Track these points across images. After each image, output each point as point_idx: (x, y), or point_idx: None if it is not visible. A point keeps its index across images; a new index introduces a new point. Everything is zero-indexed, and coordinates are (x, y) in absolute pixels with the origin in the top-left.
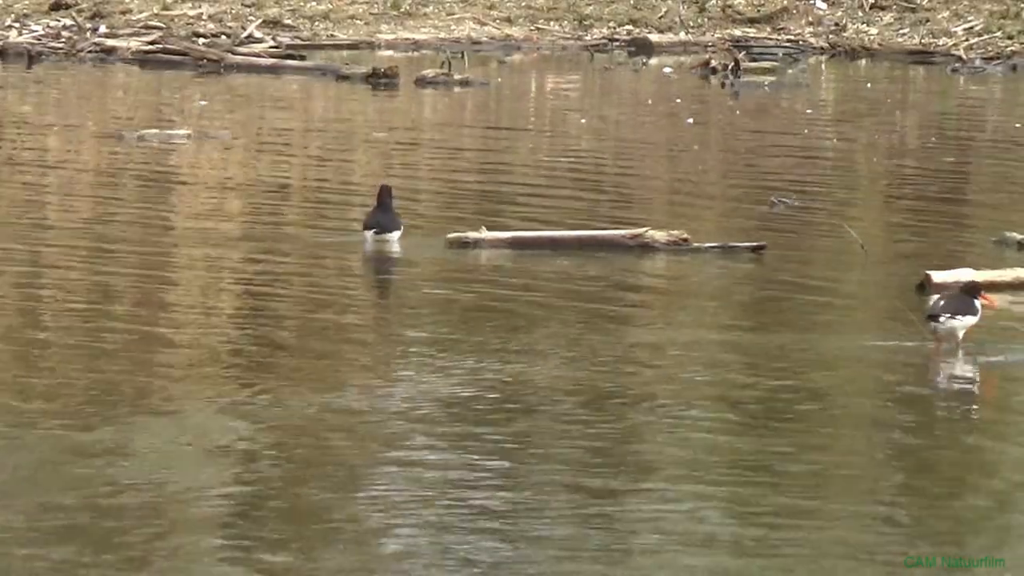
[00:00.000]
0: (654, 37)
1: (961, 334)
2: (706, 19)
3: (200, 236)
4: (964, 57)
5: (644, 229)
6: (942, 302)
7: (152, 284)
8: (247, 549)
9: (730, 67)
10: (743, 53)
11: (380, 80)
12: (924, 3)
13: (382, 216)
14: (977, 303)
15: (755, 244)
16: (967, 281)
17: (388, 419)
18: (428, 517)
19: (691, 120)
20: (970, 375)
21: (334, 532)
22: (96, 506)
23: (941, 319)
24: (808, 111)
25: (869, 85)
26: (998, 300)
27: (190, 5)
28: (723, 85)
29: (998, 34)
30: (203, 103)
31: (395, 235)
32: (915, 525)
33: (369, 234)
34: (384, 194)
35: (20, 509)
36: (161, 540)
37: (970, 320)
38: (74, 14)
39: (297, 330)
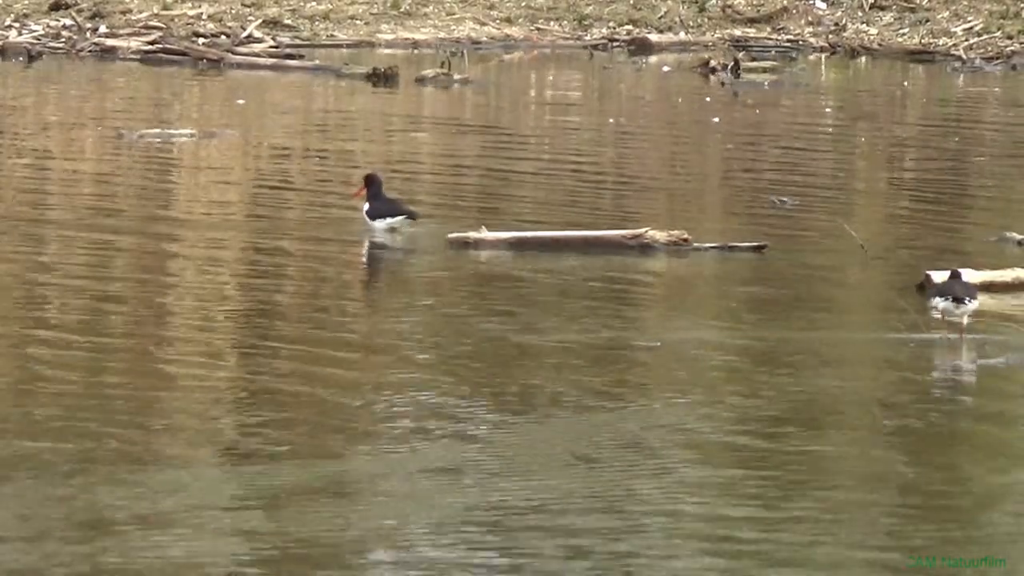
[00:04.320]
0: (654, 37)
1: (967, 318)
2: (706, 19)
3: (200, 240)
4: (964, 57)
5: (644, 229)
6: (956, 286)
7: (150, 298)
8: None
9: (730, 67)
10: (742, 53)
11: (380, 79)
12: (924, 3)
13: (394, 204)
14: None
15: (755, 244)
16: (952, 271)
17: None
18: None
19: (717, 119)
20: (971, 376)
21: None
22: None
23: (967, 301)
24: (807, 110)
25: (870, 85)
26: (997, 301)
27: (190, 5)
28: (722, 84)
29: (998, 34)
30: (241, 102)
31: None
32: (915, 525)
33: (394, 221)
34: (379, 183)
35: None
36: None
37: (977, 302)
38: (74, 14)
39: (298, 350)
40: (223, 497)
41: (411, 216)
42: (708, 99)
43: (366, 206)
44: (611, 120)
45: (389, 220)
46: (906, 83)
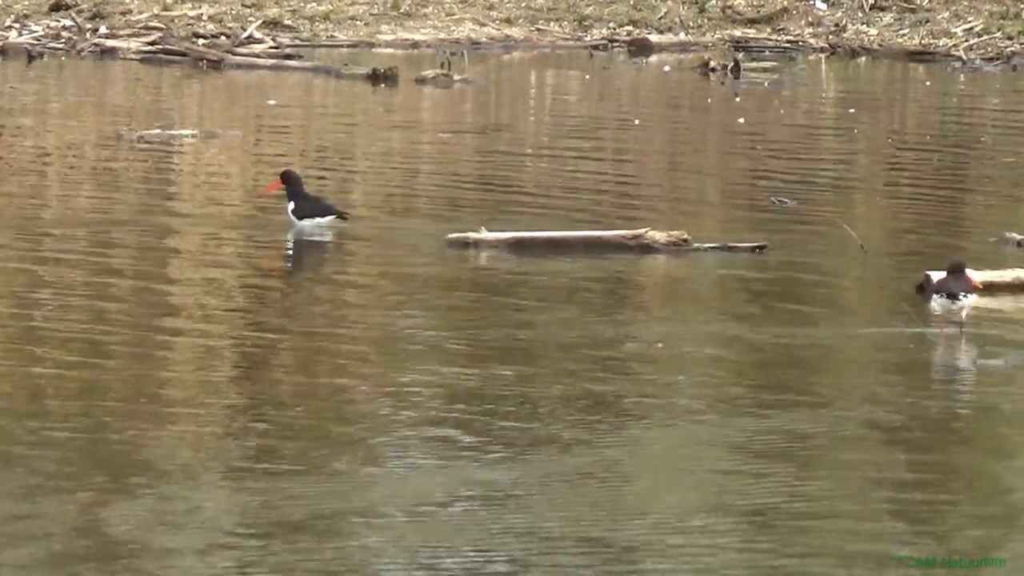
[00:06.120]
0: (654, 38)
1: (966, 313)
2: (706, 20)
3: (198, 239)
4: (964, 58)
5: (644, 229)
6: (951, 283)
7: (149, 298)
8: None
9: (729, 67)
10: (742, 53)
11: (380, 80)
12: (924, 4)
13: (320, 203)
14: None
15: (755, 244)
16: (952, 261)
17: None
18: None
19: (742, 120)
20: (970, 376)
21: None
22: None
23: (960, 296)
24: (807, 110)
25: (870, 86)
26: (997, 301)
27: (190, 6)
28: (722, 83)
29: (998, 35)
30: (272, 102)
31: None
32: (915, 525)
33: (323, 222)
34: (298, 180)
35: None
36: None
37: (974, 298)
38: (74, 14)
39: (302, 351)
40: (249, 516)
41: (341, 216)
42: (737, 99)
43: (291, 205)
44: (611, 119)
45: (319, 220)
46: (927, 83)
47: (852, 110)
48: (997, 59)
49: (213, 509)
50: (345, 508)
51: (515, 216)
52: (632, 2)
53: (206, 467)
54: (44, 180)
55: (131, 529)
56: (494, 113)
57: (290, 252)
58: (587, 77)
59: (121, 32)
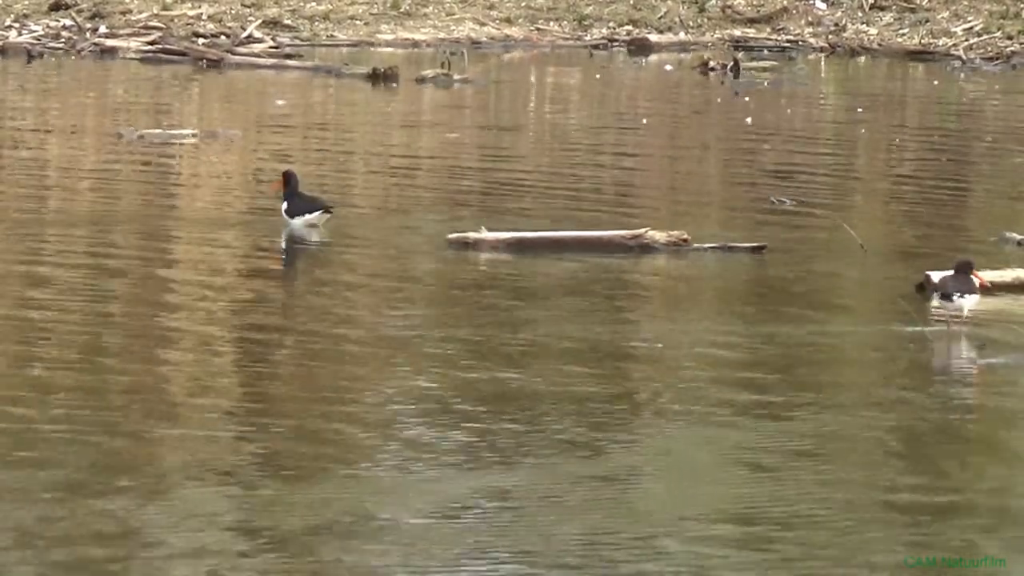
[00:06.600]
0: (653, 37)
1: (966, 312)
2: (706, 19)
3: (198, 239)
4: (964, 57)
5: (644, 229)
6: (949, 282)
7: (149, 298)
8: None
9: (729, 66)
10: (742, 53)
11: (380, 79)
12: (924, 3)
13: (311, 200)
14: (975, 281)
15: (755, 244)
16: (960, 260)
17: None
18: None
19: (749, 120)
20: (971, 376)
21: None
22: None
23: (954, 297)
24: (809, 110)
25: (870, 85)
26: (997, 301)
27: (190, 5)
28: (721, 82)
29: (998, 34)
30: (280, 102)
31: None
32: (916, 524)
33: (312, 218)
34: (296, 180)
35: None
36: None
37: (975, 298)
38: (74, 14)
39: (298, 354)
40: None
41: (327, 210)
42: (746, 98)
43: (285, 204)
44: (611, 119)
45: (307, 216)
46: (905, 82)
47: (860, 109)
48: (997, 59)
49: (225, 514)
50: (356, 513)
51: (515, 216)
52: (632, 2)
53: (217, 471)
54: (45, 178)
55: (137, 532)
56: (494, 113)
57: (290, 252)
58: (598, 76)
59: (121, 32)
